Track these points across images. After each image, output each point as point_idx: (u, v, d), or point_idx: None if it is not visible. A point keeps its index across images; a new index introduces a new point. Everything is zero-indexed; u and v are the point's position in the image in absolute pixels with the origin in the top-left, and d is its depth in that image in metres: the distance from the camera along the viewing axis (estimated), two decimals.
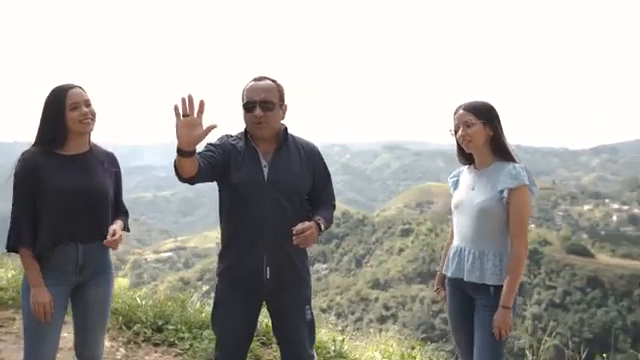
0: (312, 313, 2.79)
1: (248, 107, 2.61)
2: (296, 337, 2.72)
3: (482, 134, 2.73)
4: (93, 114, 2.64)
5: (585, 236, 71.82)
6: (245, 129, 2.69)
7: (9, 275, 5.60)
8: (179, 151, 2.26)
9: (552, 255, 57.81)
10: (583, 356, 4.32)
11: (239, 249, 2.63)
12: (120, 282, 6.43)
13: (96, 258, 2.70)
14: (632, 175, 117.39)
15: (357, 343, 4.85)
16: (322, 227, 2.61)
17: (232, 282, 2.69)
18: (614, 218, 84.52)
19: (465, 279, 2.77)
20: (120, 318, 4.61)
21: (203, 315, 4.74)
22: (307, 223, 2.52)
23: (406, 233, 68.74)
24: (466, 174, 2.93)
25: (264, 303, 2.79)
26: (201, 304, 5.18)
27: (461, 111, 2.77)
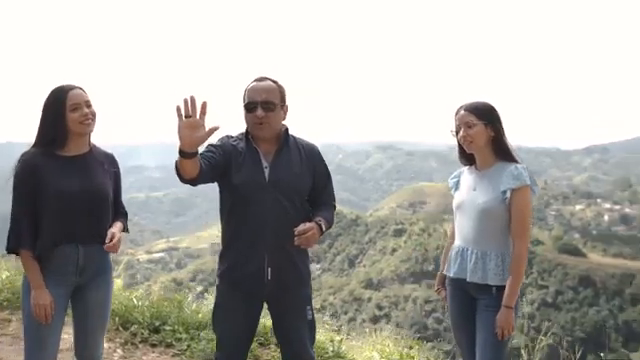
0: (313, 313, 2.80)
1: (249, 108, 2.61)
2: (297, 337, 2.73)
3: (483, 135, 2.75)
4: (93, 115, 2.63)
5: (577, 236, 72.17)
6: (246, 130, 2.70)
7: (4, 276, 5.56)
8: (181, 152, 2.26)
9: (544, 255, 58.05)
10: (578, 355, 4.35)
11: (240, 250, 2.63)
12: (116, 283, 6.41)
13: (96, 259, 2.69)
14: (623, 175, 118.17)
15: (353, 343, 4.86)
16: (323, 228, 2.61)
17: (233, 282, 2.69)
18: (606, 218, 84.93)
19: (468, 279, 2.78)
20: (117, 319, 4.60)
21: (200, 316, 4.74)
22: (308, 224, 2.52)
23: (399, 233, 68.85)
24: (467, 175, 2.94)
25: (265, 304, 2.79)
26: (197, 305, 5.18)
27: (462, 112, 2.78)
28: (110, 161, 2.83)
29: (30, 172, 2.54)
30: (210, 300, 5.36)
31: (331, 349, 4.30)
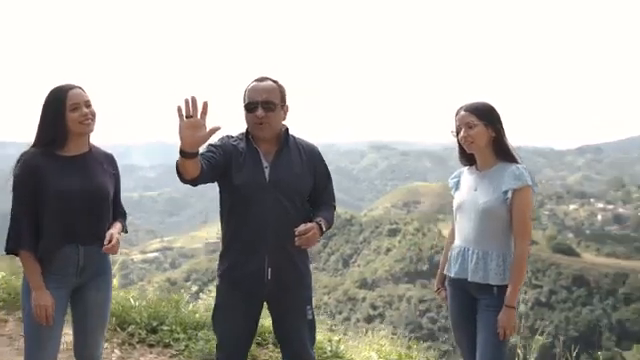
0: (313, 313, 2.80)
1: (250, 108, 2.61)
2: (297, 337, 2.72)
3: (484, 135, 2.75)
4: (93, 115, 2.62)
5: (571, 235, 72.45)
6: (246, 130, 2.69)
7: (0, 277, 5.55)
8: (182, 153, 2.25)
9: (538, 254, 58.19)
10: (574, 355, 4.37)
11: (240, 250, 2.63)
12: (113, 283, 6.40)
13: (96, 260, 2.68)
14: (617, 175, 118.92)
15: (349, 343, 4.86)
16: (323, 228, 2.62)
17: (233, 282, 2.68)
18: (599, 217, 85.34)
19: (469, 279, 2.79)
20: (114, 319, 4.57)
21: (197, 316, 4.72)
22: (309, 224, 2.52)
23: (393, 233, 68.98)
24: (467, 175, 2.95)
25: (265, 304, 2.79)
26: (194, 305, 5.17)
27: (463, 112, 2.78)
28: (109, 161, 2.82)
29: (30, 172, 2.52)
30: (206, 300, 5.36)
31: (329, 349, 4.30)
